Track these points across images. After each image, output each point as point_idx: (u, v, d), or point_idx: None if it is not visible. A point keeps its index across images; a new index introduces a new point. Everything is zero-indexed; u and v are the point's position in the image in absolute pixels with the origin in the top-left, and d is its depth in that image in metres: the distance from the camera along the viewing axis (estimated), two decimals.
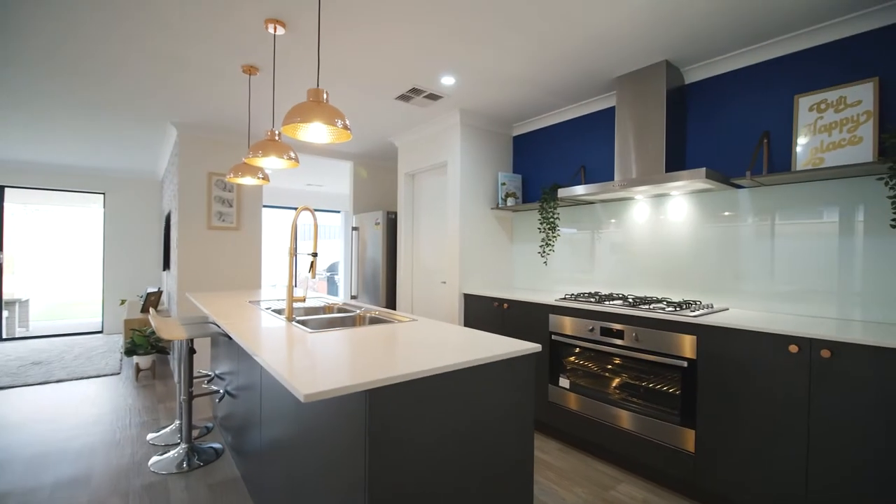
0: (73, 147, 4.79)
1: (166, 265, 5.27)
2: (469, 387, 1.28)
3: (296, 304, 2.54)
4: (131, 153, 5.07)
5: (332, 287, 9.67)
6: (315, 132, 1.72)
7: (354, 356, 1.29)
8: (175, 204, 4.15)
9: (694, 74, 2.68)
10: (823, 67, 2.20)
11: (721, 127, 2.59)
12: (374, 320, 2.18)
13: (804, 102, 2.24)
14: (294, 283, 2.11)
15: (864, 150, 2.03)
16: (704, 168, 2.17)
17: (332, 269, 9.82)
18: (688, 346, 2.14)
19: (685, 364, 2.14)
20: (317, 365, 1.18)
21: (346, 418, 1.17)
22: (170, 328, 2.51)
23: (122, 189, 6.47)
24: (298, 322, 1.95)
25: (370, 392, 1.06)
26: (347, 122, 1.58)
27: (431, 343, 1.48)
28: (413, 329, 1.75)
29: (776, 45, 2.33)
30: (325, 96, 1.56)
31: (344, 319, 2.17)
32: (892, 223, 1.78)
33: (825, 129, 2.15)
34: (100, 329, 6.57)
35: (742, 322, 1.97)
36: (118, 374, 4.36)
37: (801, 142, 2.21)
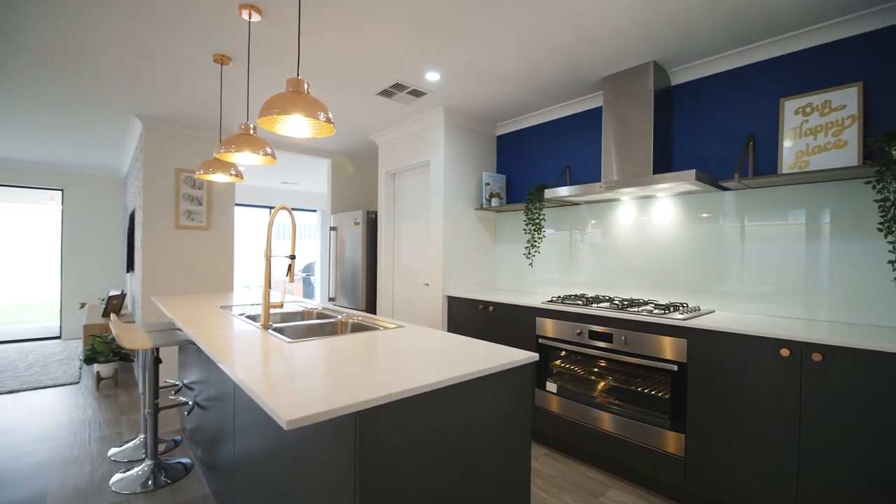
0: (27, 140, 4.46)
1: (130, 267, 4.98)
2: (465, 400, 1.19)
3: (272, 310, 2.40)
4: (92, 147, 4.76)
5: (308, 288, 9.43)
6: (295, 126, 1.60)
7: (340, 370, 1.18)
8: (140, 202, 3.90)
9: (681, 76, 2.66)
10: (809, 71, 2.22)
11: (707, 129, 2.58)
12: (357, 327, 2.06)
13: (790, 106, 2.24)
14: (269, 287, 1.97)
15: (849, 154, 2.04)
16: (694, 170, 2.15)
17: (309, 269, 9.57)
18: (678, 349, 2.11)
19: (675, 368, 2.11)
20: (299, 382, 1.07)
21: (333, 433, 1.06)
22: (132, 336, 2.32)
23: (82, 185, 6.09)
24: (275, 330, 1.82)
25: (360, 413, 0.96)
26: (330, 115, 1.46)
27: (422, 353, 1.39)
28: (400, 337, 1.65)
29: (763, 48, 2.33)
30: (305, 87, 1.44)
31: (324, 326, 2.05)
32: (879, 226, 1.79)
33: (811, 132, 2.16)
34: (57, 334, 6.17)
35: (732, 325, 1.95)
36: (77, 383, 4.07)
37: (787, 145, 2.22)
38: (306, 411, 0.87)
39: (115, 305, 4.59)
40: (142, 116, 3.58)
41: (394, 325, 1.86)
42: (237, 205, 7.10)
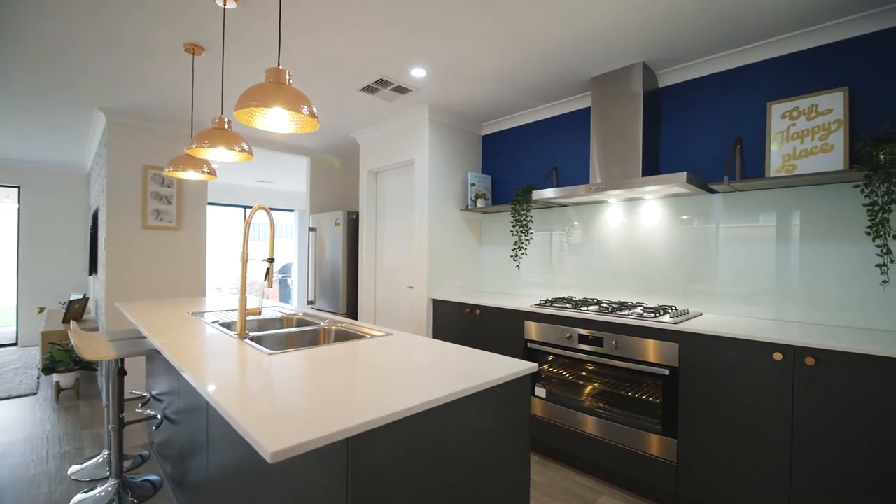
0: None
1: (93, 269, 4.70)
2: (463, 415, 1.11)
3: (249, 317, 2.26)
4: (51, 141, 4.46)
5: (284, 290, 9.16)
6: (275, 119, 1.48)
7: (326, 387, 1.08)
8: (103, 200, 3.67)
9: (668, 78, 2.65)
10: (796, 75, 2.23)
11: (694, 131, 2.58)
12: (341, 335, 1.95)
13: (777, 109, 2.25)
14: (246, 292, 1.84)
15: (835, 158, 2.06)
16: (685, 172, 2.13)
17: (285, 271, 9.30)
18: (670, 353, 2.08)
19: (667, 372, 2.08)
20: (282, 403, 0.97)
21: (321, 456, 0.96)
22: (94, 345, 2.15)
23: (40, 182, 5.73)
24: (252, 339, 1.69)
25: (352, 438, 0.86)
26: (314, 109, 1.35)
27: (414, 365, 1.30)
28: (388, 347, 1.55)
29: (750, 52, 2.33)
30: (287, 77, 1.33)
31: (305, 335, 1.93)
32: (867, 230, 1.80)
33: (797, 136, 2.17)
34: (13, 341, 5.79)
35: (724, 329, 1.93)
36: (34, 394, 3.80)
37: (774, 148, 2.22)
38: (293, 439, 0.77)
39: (76, 310, 4.31)
40: (106, 109, 3.36)
41: (381, 333, 1.76)
42: (209, 204, 6.83)
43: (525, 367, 1.27)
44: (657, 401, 2.15)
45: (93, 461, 2.56)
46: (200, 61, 2.53)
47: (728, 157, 2.44)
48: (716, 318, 2.30)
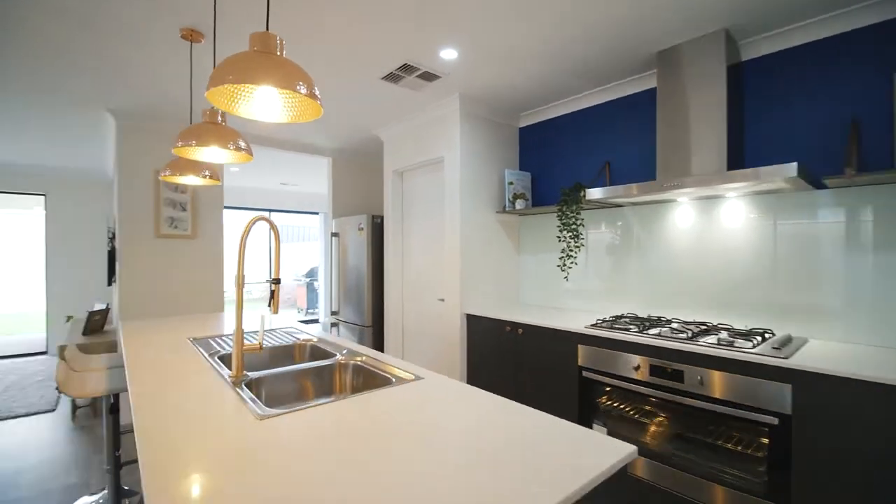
0: (2, 140, 4.03)
1: (112, 279, 4.56)
2: None
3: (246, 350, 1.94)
4: (70, 147, 4.33)
5: (311, 294, 8.99)
6: (261, 103, 1.12)
7: (341, 496, 0.71)
8: (116, 207, 3.46)
9: (754, 49, 2.16)
10: None
11: (790, 114, 2.09)
12: (360, 375, 1.59)
13: None
14: (242, 324, 1.51)
15: None
16: (795, 163, 1.65)
17: (312, 274, 9.13)
18: (778, 397, 1.62)
19: (775, 421, 1.62)
20: None
21: None
22: (83, 377, 1.87)
23: (65, 189, 5.68)
24: (249, 385, 1.35)
25: None
26: (316, 90, 0.99)
27: (466, 445, 0.92)
28: (422, 402, 1.18)
29: (864, 12, 1.83)
30: (278, 44, 0.97)
31: (317, 374, 1.58)
32: None
33: None
34: (44, 349, 5.78)
35: (857, 368, 1.46)
36: (52, 410, 3.65)
37: None
38: None
39: (96, 322, 4.16)
40: (113, 111, 3.13)
41: (410, 377, 1.39)
42: (230, 208, 6.66)
43: (626, 452, 0.87)
44: (759, 454, 1.69)
45: (98, 496, 2.31)
46: (199, 49, 2.22)
47: (833, 142, 1.94)
48: (827, 346, 1.82)
